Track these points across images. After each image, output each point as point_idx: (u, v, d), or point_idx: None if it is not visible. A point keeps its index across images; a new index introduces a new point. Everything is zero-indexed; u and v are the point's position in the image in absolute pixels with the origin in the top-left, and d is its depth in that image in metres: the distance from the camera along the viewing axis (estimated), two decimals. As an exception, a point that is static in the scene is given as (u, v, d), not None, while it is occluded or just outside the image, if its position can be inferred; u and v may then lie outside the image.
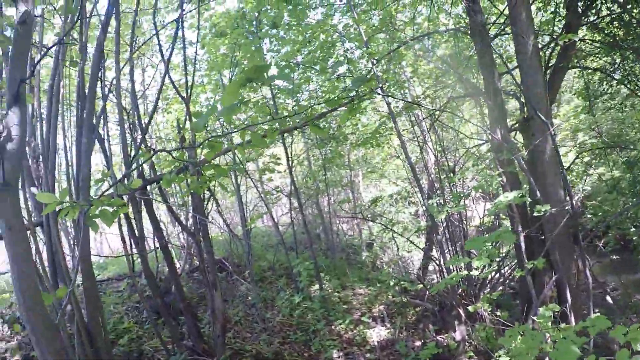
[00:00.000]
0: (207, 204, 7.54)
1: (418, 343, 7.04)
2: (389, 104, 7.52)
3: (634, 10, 7.69)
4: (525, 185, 6.81)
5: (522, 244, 5.68)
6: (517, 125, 6.89)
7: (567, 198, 5.92)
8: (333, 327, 7.56)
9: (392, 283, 8.08)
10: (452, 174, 8.46)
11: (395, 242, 10.79)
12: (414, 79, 10.20)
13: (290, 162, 9.10)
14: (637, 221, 9.01)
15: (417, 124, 9.95)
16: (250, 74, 2.37)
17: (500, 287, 8.01)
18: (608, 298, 6.17)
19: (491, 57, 6.84)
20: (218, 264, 9.82)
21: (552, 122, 6.19)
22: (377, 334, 7.43)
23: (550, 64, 7.72)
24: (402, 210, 12.81)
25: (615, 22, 8.03)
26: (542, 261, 4.99)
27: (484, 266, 5.62)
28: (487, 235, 4.31)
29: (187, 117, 5.97)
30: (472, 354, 6.61)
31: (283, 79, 2.86)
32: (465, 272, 5.10)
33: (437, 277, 8.66)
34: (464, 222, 8.84)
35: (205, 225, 6.25)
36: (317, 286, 8.56)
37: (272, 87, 8.88)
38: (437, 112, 8.51)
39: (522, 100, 6.60)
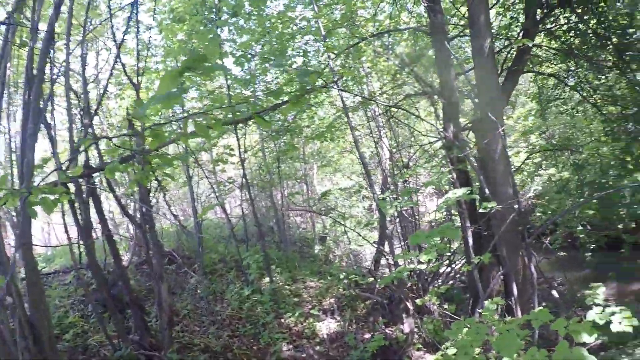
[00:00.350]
0: (155, 194, 7.34)
1: (367, 335, 7.09)
2: (342, 99, 7.51)
3: (591, 21, 7.92)
4: (476, 183, 6.94)
5: (470, 240, 5.79)
6: (470, 124, 7.00)
7: (516, 196, 6.08)
8: (283, 320, 7.51)
9: (342, 276, 8.08)
10: (405, 170, 8.55)
11: (347, 236, 10.82)
12: (372, 74, 10.22)
13: (242, 154, 8.93)
14: (583, 220, 9.34)
15: (373, 120, 9.99)
16: (189, 63, 2.34)
17: (451, 281, 8.16)
18: (554, 292, 6.35)
19: (448, 57, 6.93)
20: (167, 256, 9.62)
21: (503, 122, 6.32)
22: (326, 326, 7.43)
23: (505, 67, 7.90)
24: (356, 205, 12.84)
25: (571, 31, 8.25)
26: (489, 256, 5.09)
27: (433, 260, 5.69)
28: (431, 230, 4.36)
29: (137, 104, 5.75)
30: (420, 345, 6.70)
31: (219, 70, 2.78)
32: (413, 266, 5.14)
33: (389, 270, 8.73)
34: (416, 217, 8.94)
35: (151, 215, 6.07)
36: (267, 279, 8.49)
37: (229, 77, 8.71)
38: (393, 109, 8.57)
39: (476, 100, 6.70)
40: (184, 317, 7.59)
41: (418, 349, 6.67)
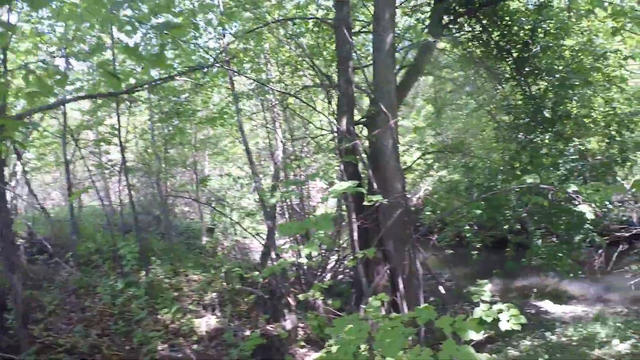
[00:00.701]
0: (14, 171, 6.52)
1: (249, 332, 6.70)
2: (232, 80, 7.05)
3: (494, 33, 8.14)
4: (366, 180, 6.87)
5: (355, 234, 5.63)
6: (364, 119, 6.94)
7: (409, 193, 6.06)
8: (159, 316, 6.90)
9: (223, 269, 7.64)
10: (294, 161, 8.33)
11: (234, 228, 10.39)
12: (272, 63, 9.89)
13: (121, 134, 8.13)
14: (471, 220, 9.66)
15: (268, 110, 9.64)
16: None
17: (340, 276, 8.05)
18: (441, 288, 6.39)
19: (349, 50, 6.85)
20: (37, 244, 8.74)
21: (396, 114, 6.29)
22: (206, 323, 6.93)
23: (405, 65, 7.96)
24: (246, 196, 12.36)
25: (475, 40, 8.47)
26: (374, 251, 4.94)
27: (315, 253, 5.49)
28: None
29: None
30: (303, 343, 6.46)
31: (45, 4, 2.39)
32: (293, 259, 4.88)
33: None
34: (306, 210, 8.76)
35: (2, 193, 5.33)
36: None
37: (116, 48, 7.94)
38: (290, 100, 8.36)
39: (372, 96, 6.66)
40: (50, 314, 6.80)
41: (302, 347, 6.43)
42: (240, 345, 6.15)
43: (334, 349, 4.99)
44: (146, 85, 6.57)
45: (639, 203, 9.98)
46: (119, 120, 7.92)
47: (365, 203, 4.53)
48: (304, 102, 8.43)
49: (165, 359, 6.20)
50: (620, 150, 8.41)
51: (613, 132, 8.47)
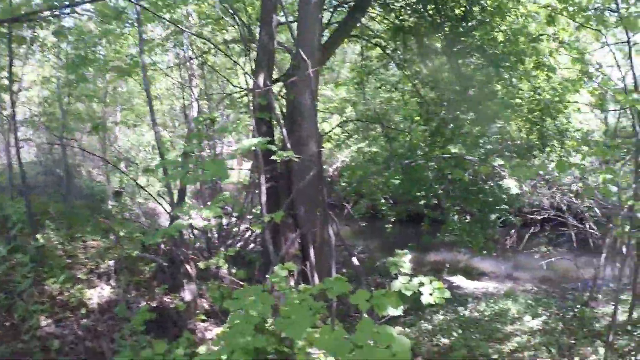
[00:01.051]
0: None
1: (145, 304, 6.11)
2: (139, 15, 6.27)
3: (428, 5, 7.93)
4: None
5: (264, 196, 5.23)
6: (284, 77, 6.59)
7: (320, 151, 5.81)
8: (46, 286, 6.09)
9: (121, 234, 6.99)
10: (207, 115, 7.82)
11: (139, 192, 9.66)
12: (193, 16, 9.15)
13: (12, 80, 7.13)
14: (386, 193, 9.59)
15: (184, 65, 8.93)
16: None
17: (252, 245, 7.68)
18: (354, 260, 6.16)
19: (275, 3, 6.52)
20: None
21: (316, 65, 5.96)
22: (98, 294, 6.23)
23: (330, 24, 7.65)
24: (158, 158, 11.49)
25: (409, 10, 8.24)
26: (282, 214, 4.59)
27: (218, 217, 5.03)
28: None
29: None
30: (204, 316, 5.98)
31: None
32: (188, 222, 4.38)
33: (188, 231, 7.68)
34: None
35: None
36: (38, 236, 6.93)
37: None
38: (208, 57, 7.84)
39: (294, 50, 6.33)
40: None
41: (203, 320, 5.95)
42: (134, 319, 5.55)
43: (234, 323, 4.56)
44: (44, 15, 5.72)
45: (552, 189, 10.32)
46: (10, 62, 6.85)
47: (274, 157, 4.13)
48: (221, 52, 7.86)
49: (49, 337, 5.47)
50: (540, 135, 8.55)
51: (535, 119, 8.58)
